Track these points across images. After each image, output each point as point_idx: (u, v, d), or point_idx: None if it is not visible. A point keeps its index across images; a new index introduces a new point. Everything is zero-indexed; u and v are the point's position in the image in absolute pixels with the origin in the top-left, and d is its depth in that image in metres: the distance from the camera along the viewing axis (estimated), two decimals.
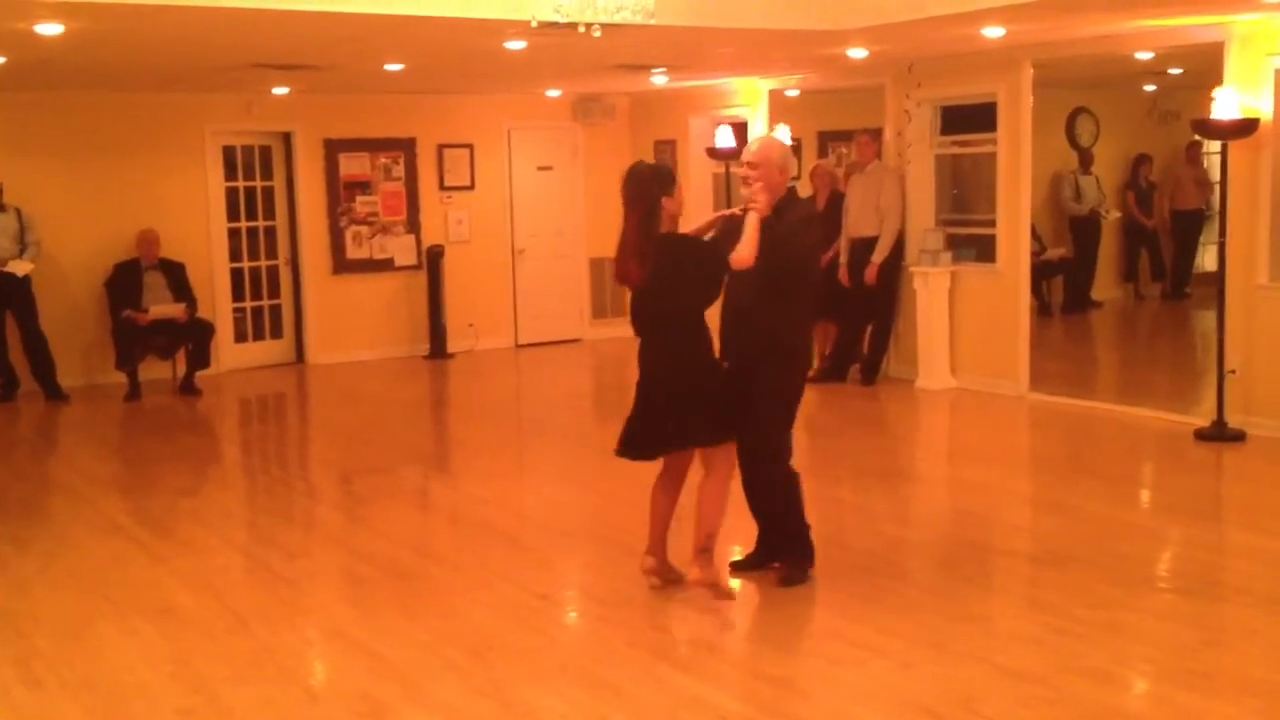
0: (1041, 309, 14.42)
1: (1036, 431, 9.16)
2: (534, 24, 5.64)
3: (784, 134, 11.82)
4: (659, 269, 5.31)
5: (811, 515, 6.57)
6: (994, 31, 8.18)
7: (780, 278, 5.44)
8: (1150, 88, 14.60)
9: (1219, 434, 8.13)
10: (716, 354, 5.55)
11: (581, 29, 5.53)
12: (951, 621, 5.25)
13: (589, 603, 5.79)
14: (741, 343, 5.58)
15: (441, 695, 4.60)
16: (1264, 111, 8.01)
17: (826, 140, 13.82)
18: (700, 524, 5.48)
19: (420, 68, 9.81)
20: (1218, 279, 8.35)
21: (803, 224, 5.58)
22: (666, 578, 5.67)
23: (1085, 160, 14.62)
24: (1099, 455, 8.32)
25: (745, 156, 5.61)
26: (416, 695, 4.61)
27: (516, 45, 7.92)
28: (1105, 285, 14.90)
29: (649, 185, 5.38)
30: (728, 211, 5.77)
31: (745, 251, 5.30)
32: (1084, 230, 14.56)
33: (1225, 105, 7.94)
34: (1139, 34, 8.75)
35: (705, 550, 5.48)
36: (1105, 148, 14.76)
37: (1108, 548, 6.12)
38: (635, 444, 5.56)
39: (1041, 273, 14.33)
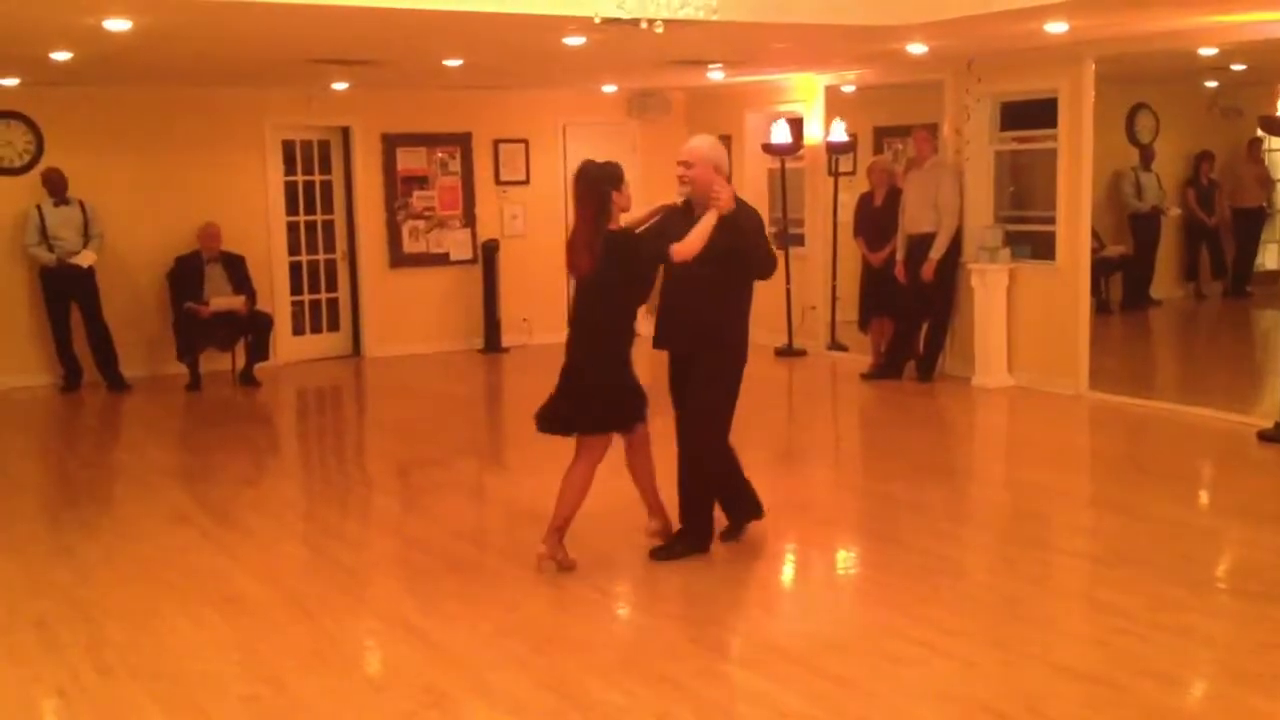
0: (1100, 307, 14.27)
1: (1096, 431, 9.09)
2: (597, 20, 5.66)
3: (839, 130, 11.83)
4: (604, 263, 5.60)
5: (867, 512, 6.59)
6: (1057, 27, 8.11)
7: (732, 272, 5.77)
8: (1212, 84, 14.41)
9: None
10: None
11: (644, 25, 5.54)
12: (1013, 621, 5.24)
13: (649, 597, 5.79)
14: (682, 335, 5.90)
15: (504, 687, 4.63)
16: None
17: (883, 136, 13.74)
18: (560, 507, 5.86)
19: (479, 63, 9.85)
20: (1250, 277, 8.24)
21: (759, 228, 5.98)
22: (561, 561, 5.88)
23: (1146, 157, 14.46)
24: (1159, 455, 8.25)
25: (680, 155, 5.97)
26: (479, 687, 4.65)
27: (576, 41, 7.94)
28: (1165, 283, 14.74)
29: (599, 182, 5.70)
30: (668, 203, 6.14)
31: (692, 245, 5.56)
32: (1144, 228, 14.41)
33: None
34: (1204, 29, 8.64)
35: (558, 530, 5.86)
36: (1165, 144, 14.59)
37: (1170, 549, 6.07)
38: (555, 421, 5.87)
39: (1100, 270, 14.21)
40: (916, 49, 9.28)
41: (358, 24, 7.18)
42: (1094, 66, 9.41)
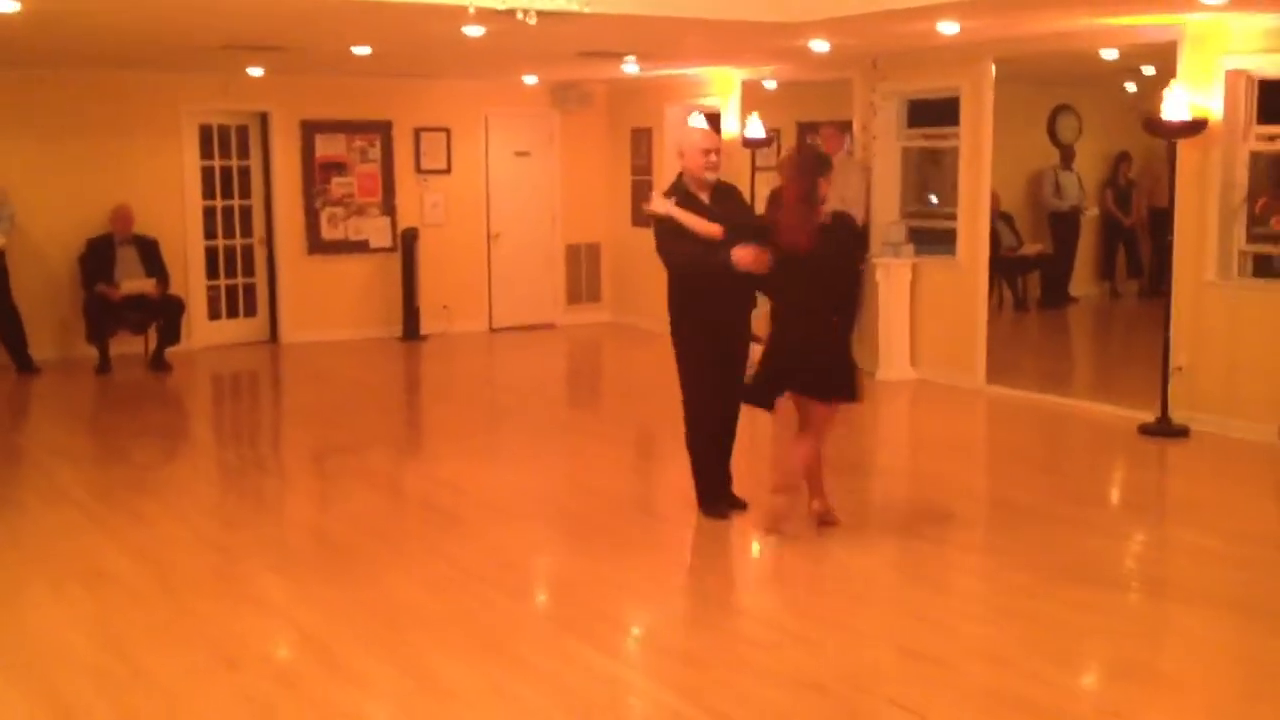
0: (1017, 304, 14.53)
1: (986, 423, 9.26)
2: (471, 10, 5.74)
3: (755, 125, 11.94)
4: (824, 245, 6.06)
5: (759, 502, 6.64)
6: (949, 27, 8.23)
7: None
8: (1131, 85, 14.64)
9: (1163, 429, 8.21)
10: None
11: (520, 15, 5.62)
12: (869, 606, 5.39)
13: (519, 579, 5.86)
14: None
15: (354, 664, 4.70)
16: (1214, 111, 8.09)
17: (805, 131, 13.85)
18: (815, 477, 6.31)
19: (389, 51, 9.87)
20: (1164, 276, 8.45)
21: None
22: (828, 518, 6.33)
23: (1067, 157, 14.71)
24: (1041, 448, 8.42)
25: (713, 144, 6.37)
26: (330, 663, 4.72)
27: (475, 31, 7.97)
28: (1083, 281, 15.00)
29: (814, 168, 6.15)
30: (665, 194, 6.39)
31: None
32: (1064, 226, 14.66)
33: (1175, 105, 8.02)
34: (1096, 31, 8.80)
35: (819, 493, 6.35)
36: (1087, 145, 14.82)
37: (1031, 537, 6.21)
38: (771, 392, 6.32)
39: (1018, 268, 14.46)
40: (819, 46, 9.38)
41: (247, 9, 7.20)
42: (994, 66, 9.57)
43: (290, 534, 6.55)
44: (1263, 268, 8.28)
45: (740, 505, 6.56)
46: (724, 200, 6.37)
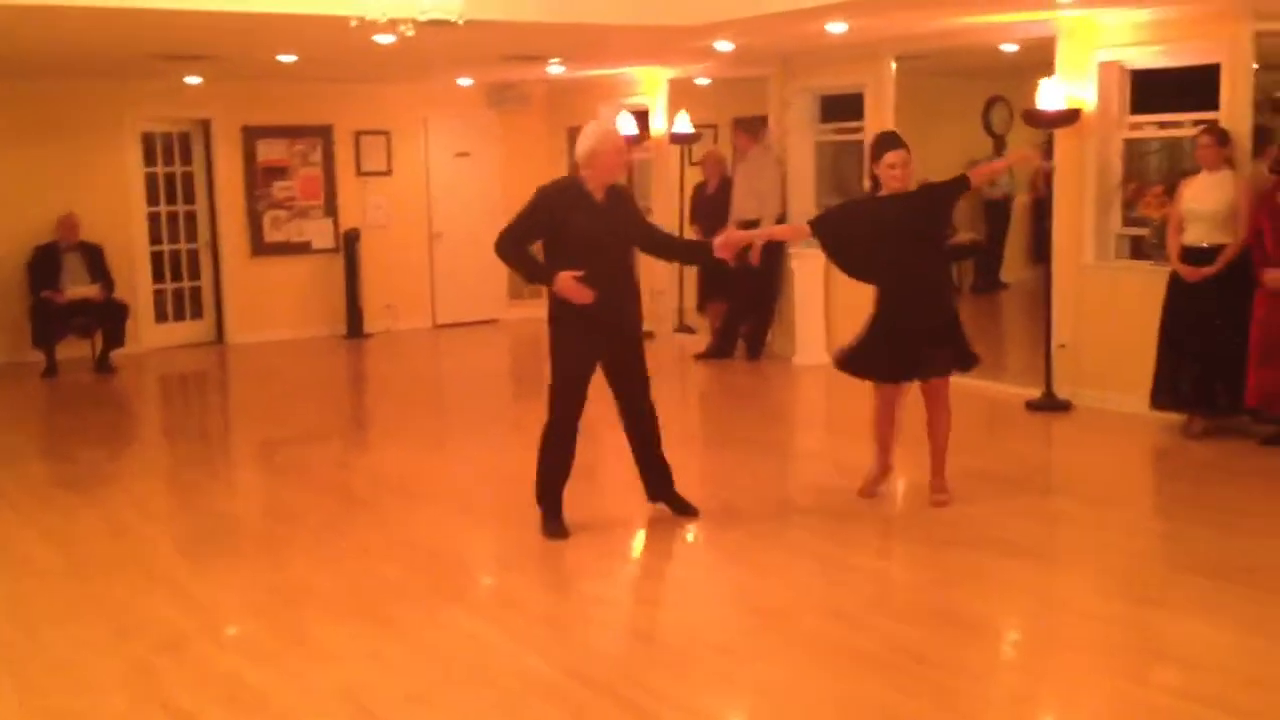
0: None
1: None
2: (353, 24, 6.13)
3: (683, 122, 12.33)
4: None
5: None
6: (837, 27, 8.63)
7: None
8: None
9: (1048, 404, 8.65)
10: None
11: (402, 27, 6.01)
12: (726, 568, 5.80)
13: (412, 555, 6.20)
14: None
15: (241, 632, 5.13)
16: (1088, 102, 8.51)
17: (738, 125, 14.26)
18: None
19: (314, 58, 10.25)
20: (1044, 259, 8.87)
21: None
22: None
23: (999, 147, 15.15)
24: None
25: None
26: (216, 633, 5.14)
27: (386, 39, 8.35)
28: (1016, 266, 15.44)
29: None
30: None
31: None
32: (995, 214, 15.13)
33: (1050, 96, 8.43)
34: (981, 28, 9.19)
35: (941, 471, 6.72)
36: (1019, 133, 15.22)
37: (908, 510, 6.65)
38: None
39: (951, 255, 14.87)
40: (724, 46, 9.78)
41: (156, 22, 7.57)
42: (894, 63, 9.97)
43: (206, 522, 6.91)
44: (1137, 250, 8.68)
45: (690, 511, 6.41)
46: (618, 203, 6.12)
